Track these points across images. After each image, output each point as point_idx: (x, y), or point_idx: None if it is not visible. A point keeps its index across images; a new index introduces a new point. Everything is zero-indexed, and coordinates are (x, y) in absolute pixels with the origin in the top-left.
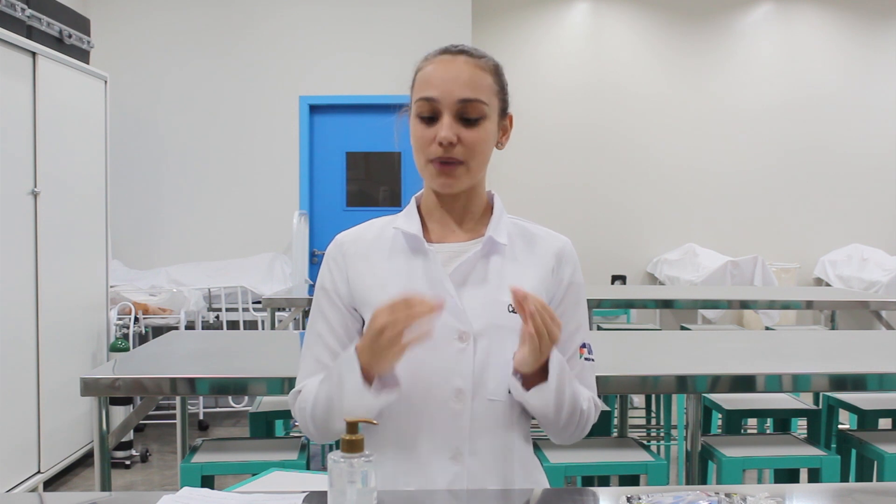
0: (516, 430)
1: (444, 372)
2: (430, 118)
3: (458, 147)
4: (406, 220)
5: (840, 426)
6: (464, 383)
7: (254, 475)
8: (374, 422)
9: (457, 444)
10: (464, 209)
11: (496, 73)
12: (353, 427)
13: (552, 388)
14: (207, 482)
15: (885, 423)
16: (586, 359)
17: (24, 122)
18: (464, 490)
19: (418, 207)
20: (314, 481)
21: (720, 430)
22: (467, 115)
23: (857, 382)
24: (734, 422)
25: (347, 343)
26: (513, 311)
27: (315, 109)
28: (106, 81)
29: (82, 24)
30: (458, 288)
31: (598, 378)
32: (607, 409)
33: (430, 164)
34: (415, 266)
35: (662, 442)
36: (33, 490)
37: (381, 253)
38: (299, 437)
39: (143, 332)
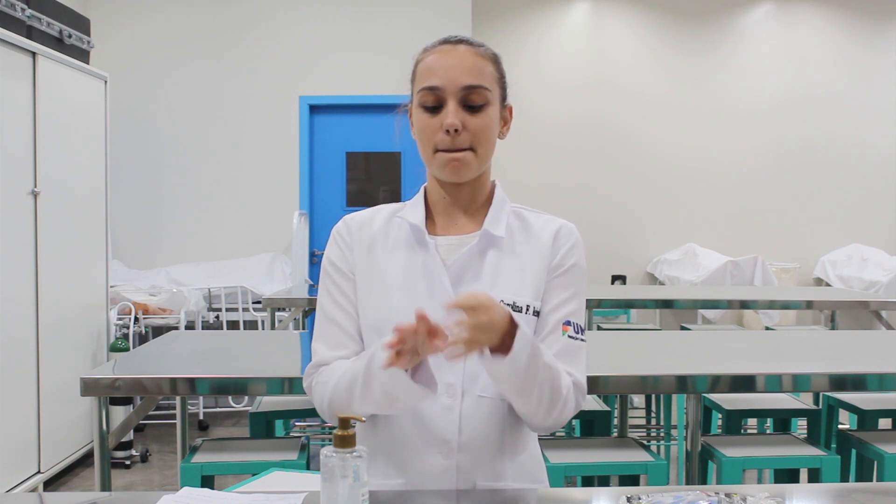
0: (508, 427)
1: (435, 367)
2: (434, 108)
3: (463, 134)
4: (412, 209)
5: (840, 426)
6: (455, 378)
7: (254, 475)
8: (362, 419)
9: (447, 439)
10: (469, 200)
11: (496, 61)
12: (345, 423)
13: (519, 357)
14: (207, 482)
15: (885, 423)
16: (570, 336)
17: (24, 122)
18: (462, 490)
19: (426, 198)
20: (314, 481)
21: (720, 430)
22: (471, 102)
23: (857, 382)
24: (734, 422)
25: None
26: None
27: (315, 109)
28: (106, 81)
29: (82, 24)
30: (455, 283)
31: (598, 378)
32: (607, 409)
33: (437, 153)
34: (415, 260)
35: (662, 442)
36: (33, 490)
37: (384, 244)
38: (299, 437)
39: (143, 332)
